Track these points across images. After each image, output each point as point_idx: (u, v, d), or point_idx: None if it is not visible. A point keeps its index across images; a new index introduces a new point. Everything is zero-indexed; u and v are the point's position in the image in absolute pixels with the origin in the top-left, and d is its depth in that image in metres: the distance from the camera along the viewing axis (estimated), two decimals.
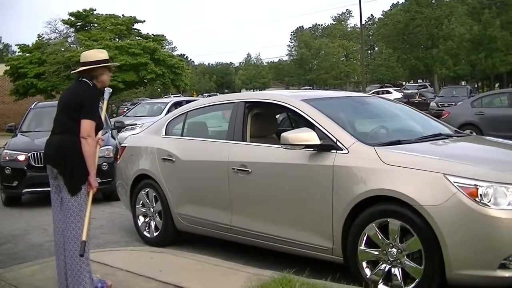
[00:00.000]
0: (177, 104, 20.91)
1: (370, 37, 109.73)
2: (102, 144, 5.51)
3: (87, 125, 4.94)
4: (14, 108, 40.14)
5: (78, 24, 39.54)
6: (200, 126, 7.93)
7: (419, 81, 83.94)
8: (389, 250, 5.04)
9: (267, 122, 7.33)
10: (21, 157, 10.88)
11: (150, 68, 35.74)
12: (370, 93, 47.64)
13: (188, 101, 22.17)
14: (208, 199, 6.90)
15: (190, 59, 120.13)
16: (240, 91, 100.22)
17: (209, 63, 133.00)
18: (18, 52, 39.43)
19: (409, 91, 52.46)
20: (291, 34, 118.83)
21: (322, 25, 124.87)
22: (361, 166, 5.33)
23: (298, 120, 7.40)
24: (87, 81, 5.17)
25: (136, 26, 40.95)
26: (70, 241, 5.03)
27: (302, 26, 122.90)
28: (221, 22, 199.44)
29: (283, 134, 5.76)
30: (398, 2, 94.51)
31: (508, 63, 56.73)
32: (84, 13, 39.03)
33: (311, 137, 5.62)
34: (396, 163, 5.13)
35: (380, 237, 5.11)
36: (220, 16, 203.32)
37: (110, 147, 11.30)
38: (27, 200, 11.56)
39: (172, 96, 52.52)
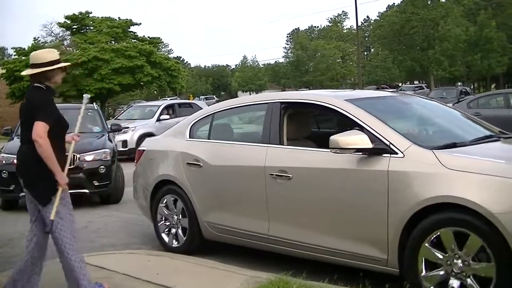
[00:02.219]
0: (168, 107, 21.07)
1: (366, 39, 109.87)
2: (78, 140, 5.45)
3: (38, 127, 4.80)
4: (10, 111, 40.02)
5: (74, 27, 39.59)
6: (229, 128, 7.61)
7: (415, 82, 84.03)
8: (454, 261, 4.71)
9: (302, 124, 6.94)
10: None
11: (146, 70, 35.75)
12: None
13: (180, 104, 22.40)
14: (241, 207, 6.49)
15: (186, 62, 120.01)
16: (236, 94, 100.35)
17: (205, 66, 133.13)
18: (14, 55, 39.43)
19: (406, 93, 52.58)
20: (287, 36, 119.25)
21: (318, 26, 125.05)
22: (420, 171, 4.96)
23: (326, 121, 7.13)
24: (40, 85, 5.06)
25: (132, 28, 41.05)
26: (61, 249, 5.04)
27: (298, 28, 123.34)
28: (217, 24, 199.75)
29: (332, 137, 5.37)
30: (394, 3, 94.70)
31: (504, 64, 56.96)
32: (80, 16, 39.08)
33: (362, 140, 5.28)
34: (460, 168, 4.77)
35: (443, 251, 4.77)
36: (216, 18, 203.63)
37: (107, 150, 11.22)
38: (24, 204, 11.51)
39: (168, 98, 52.50)
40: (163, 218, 7.37)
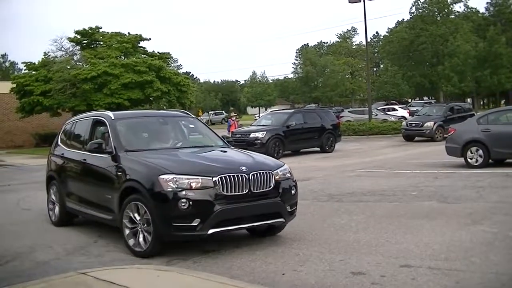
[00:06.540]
0: None
1: (376, 55, 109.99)
2: None
3: None
4: (20, 126, 40.33)
5: (84, 42, 39.92)
6: None
7: (424, 98, 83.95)
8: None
9: None
10: (198, 184, 7.59)
11: (155, 85, 35.93)
12: (375, 110, 47.44)
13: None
14: None
15: (196, 77, 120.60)
16: (245, 109, 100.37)
17: (214, 81, 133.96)
18: (24, 70, 39.76)
19: (415, 108, 52.44)
20: (296, 52, 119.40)
21: (327, 42, 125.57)
22: None
23: None
24: None
25: (141, 44, 41.32)
26: None
27: (307, 43, 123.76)
28: (227, 40, 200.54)
29: None
30: (403, 19, 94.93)
31: None
32: (90, 31, 39.41)
33: None
34: None
35: None
36: (225, 34, 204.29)
37: (286, 165, 8.68)
38: (32, 217, 11.48)
39: None
40: None
